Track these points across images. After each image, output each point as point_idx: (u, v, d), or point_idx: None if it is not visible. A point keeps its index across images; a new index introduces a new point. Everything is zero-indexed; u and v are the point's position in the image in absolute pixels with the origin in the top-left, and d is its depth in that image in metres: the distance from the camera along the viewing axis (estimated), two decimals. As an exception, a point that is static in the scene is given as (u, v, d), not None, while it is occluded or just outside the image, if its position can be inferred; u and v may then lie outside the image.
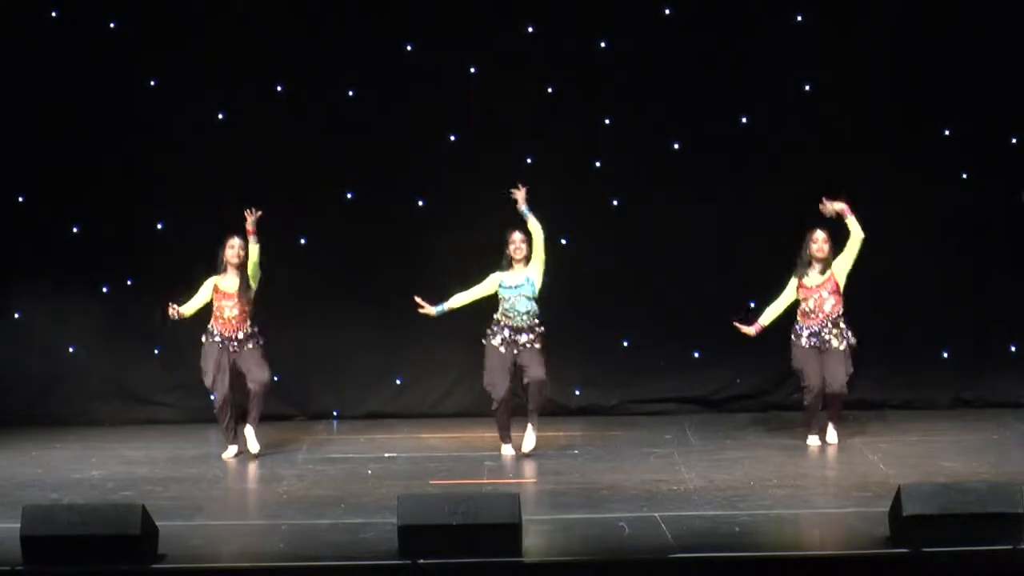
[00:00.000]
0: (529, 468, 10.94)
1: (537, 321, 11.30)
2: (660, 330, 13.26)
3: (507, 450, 11.44)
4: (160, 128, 13.13)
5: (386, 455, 11.54)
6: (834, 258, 11.41)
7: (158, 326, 12.51)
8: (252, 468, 11.17)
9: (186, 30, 13.08)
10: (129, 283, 13.31)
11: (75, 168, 13.15)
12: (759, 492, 9.73)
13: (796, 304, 11.53)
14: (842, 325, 11.41)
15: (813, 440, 11.57)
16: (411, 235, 13.19)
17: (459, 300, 11.40)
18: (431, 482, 10.27)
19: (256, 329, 11.47)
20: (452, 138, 13.28)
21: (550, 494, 10.03)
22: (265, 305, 11.64)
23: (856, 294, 11.55)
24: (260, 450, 11.43)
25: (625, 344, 13.38)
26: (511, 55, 13.20)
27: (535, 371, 11.20)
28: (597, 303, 13.04)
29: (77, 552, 7.89)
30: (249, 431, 11.45)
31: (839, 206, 11.34)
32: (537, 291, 11.30)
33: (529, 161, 13.24)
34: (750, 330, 11.56)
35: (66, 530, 7.92)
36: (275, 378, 11.78)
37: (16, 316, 13.32)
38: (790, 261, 11.56)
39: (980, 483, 8.38)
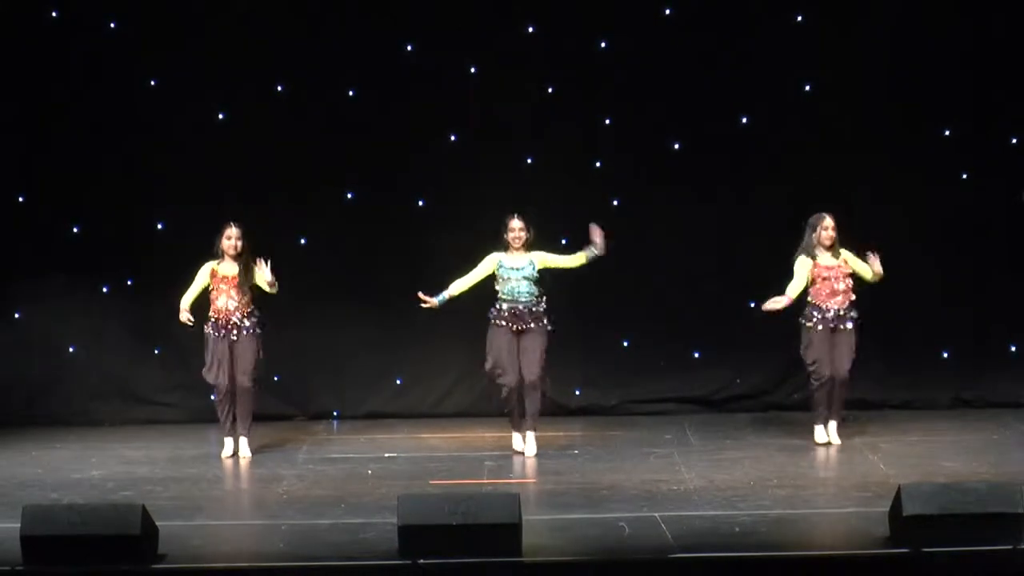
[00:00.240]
0: (529, 468, 10.94)
1: (543, 308, 11.24)
2: (660, 330, 13.26)
3: (519, 442, 11.39)
4: (160, 128, 13.13)
5: (386, 455, 11.54)
6: (839, 243, 11.41)
7: (163, 326, 12.56)
8: (252, 468, 11.17)
9: (186, 30, 13.08)
10: (129, 283, 13.31)
11: (75, 168, 13.15)
12: (759, 492, 9.73)
13: (804, 291, 11.48)
14: (854, 310, 11.43)
15: (820, 435, 11.54)
16: (411, 235, 13.18)
17: (459, 286, 11.31)
18: (431, 482, 10.27)
19: (257, 316, 11.42)
20: (452, 138, 13.28)
21: (550, 494, 10.03)
22: (265, 305, 11.63)
23: (856, 294, 11.53)
24: (252, 455, 11.43)
25: (625, 344, 13.38)
26: (511, 55, 13.20)
27: (529, 370, 11.15)
28: (597, 303, 13.03)
29: (77, 552, 7.89)
30: (243, 441, 11.45)
31: (878, 268, 11.34)
32: (537, 275, 11.26)
33: (529, 161, 13.25)
34: (781, 299, 11.40)
35: (66, 530, 7.93)
36: (275, 378, 11.78)
37: (16, 316, 13.32)
38: (791, 255, 11.55)
39: (980, 483, 8.38)
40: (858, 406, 12.66)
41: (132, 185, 13.15)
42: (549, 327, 11.26)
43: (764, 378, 13.37)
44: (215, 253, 11.42)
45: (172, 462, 11.35)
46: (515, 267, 11.24)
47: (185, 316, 11.38)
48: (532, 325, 11.18)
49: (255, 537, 9.03)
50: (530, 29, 13.23)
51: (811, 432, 11.66)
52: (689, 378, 13.42)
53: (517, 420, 11.38)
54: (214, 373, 11.39)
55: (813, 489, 9.97)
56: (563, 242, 12.80)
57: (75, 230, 13.27)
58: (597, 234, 11.27)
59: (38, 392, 13.26)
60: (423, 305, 11.37)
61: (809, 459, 11.14)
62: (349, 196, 13.30)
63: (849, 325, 11.40)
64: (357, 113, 13.22)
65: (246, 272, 11.36)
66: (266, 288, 11.37)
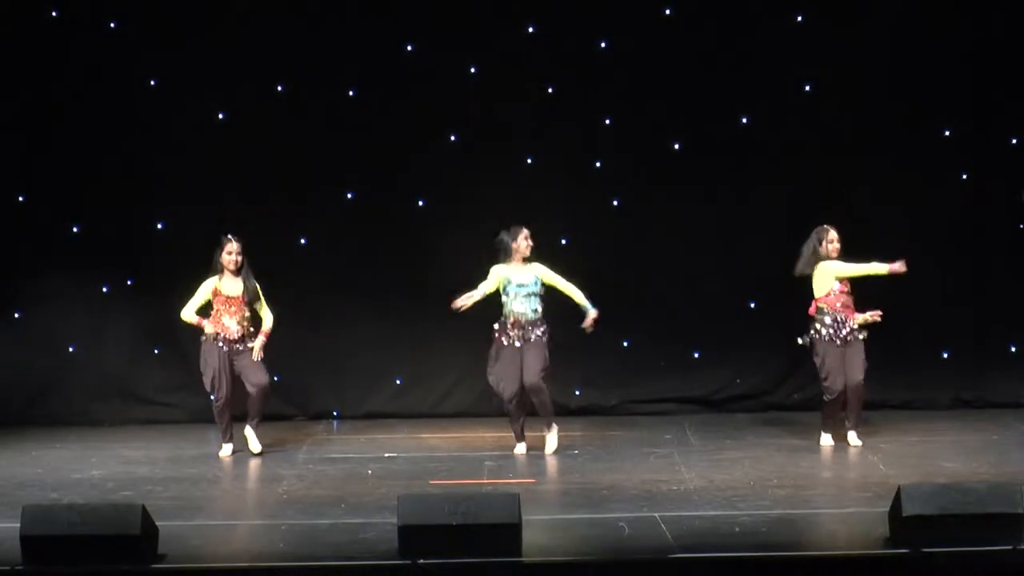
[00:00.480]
0: (529, 468, 10.94)
1: (541, 318, 11.27)
2: (660, 330, 13.26)
3: (520, 448, 11.41)
4: (160, 128, 13.13)
5: (386, 455, 11.54)
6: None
7: (163, 326, 12.58)
8: (252, 468, 11.17)
9: (186, 30, 13.08)
10: (129, 283, 13.31)
11: (75, 168, 13.15)
12: (759, 492, 9.73)
13: (810, 294, 11.45)
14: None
15: (826, 440, 11.52)
16: (411, 235, 13.19)
17: (478, 295, 11.24)
18: (431, 482, 10.27)
19: (254, 331, 11.47)
20: (452, 138, 13.28)
21: (550, 494, 10.04)
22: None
23: (856, 294, 11.53)
24: (261, 449, 11.45)
25: (625, 344, 13.38)
26: (511, 55, 13.20)
27: (529, 376, 11.16)
28: (597, 303, 13.02)
29: (77, 552, 7.88)
30: (250, 432, 11.47)
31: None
32: (542, 291, 11.29)
33: (529, 161, 13.24)
34: (899, 264, 11.20)
35: (66, 530, 7.92)
36: (275, 378, 11.78)
37: (16, 316, 13.32)
38: (790, 255, 11.54)
39: (980, 483, 8.38)
40: (858, 406, 12.66)
41: (132, 185, 13.15)
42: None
43: (764, 378, 13.38)
44: (214, 268, 11.40)
45: (172, 462, 11.35)
46: (522, 283, 11.24)
47: (194, 321, 11.38)
48: (533, 337, 11.20)
49: (255, 537, 9.02)
50: (530, 29, 13.24)
51: (811, 432, 11.66)
52: (689, 378, 13.43)
53: (519, 429, 11.42)
54: (211, 381, 11.38)
55: (813, 489, 9.96)
56: (563, 242, 12.85)
57: (75, 230, 13.27)
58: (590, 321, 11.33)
59: (38, 392, 13.26)
60: (460, 306, 11.25)
61: (809, 459, 11.13)
62: (349, 196, 13.30)
63: (860, 336, 11.35)
64: (357, 113, 13.22)
65: (251, 298, 11.36)
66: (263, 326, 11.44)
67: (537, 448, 11.39)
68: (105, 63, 13.15)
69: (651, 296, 13.25)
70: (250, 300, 11.40)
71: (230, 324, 11.35)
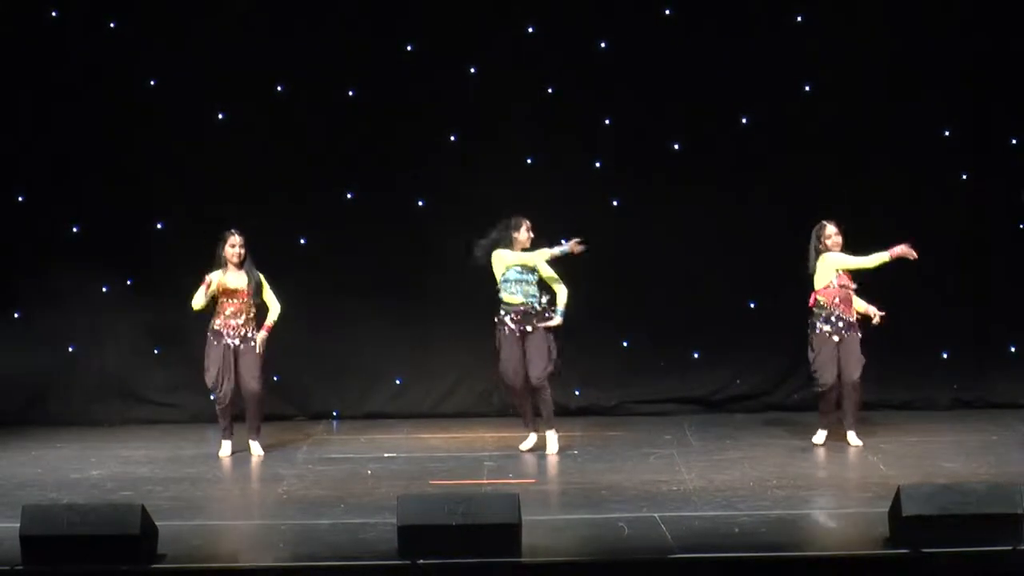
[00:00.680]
0: (529, 468, 10.94)
1: (544, 304, 11.25)
2: (660, 330, 13.26)
3: (528, 443, 11.40)
4: (160, 128, 13.13)
5: (386, 455, 11.54)
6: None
7: (163, 326, 12.59)
8: (252, 468, 11.17)
9: (186, 30, 13.08)
10: (129, 283, 13.31)
11: (75, 168, 13.15)
12: (759, 492, 9.72)
13: (809, 289, 11.45)
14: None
15: (819, 437, 11.51)
16: (411, 235, 13.19)
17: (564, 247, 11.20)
18: (431, 482, 10.26)
19: (258, 328, 11.45)
20: (452, 138, 13.28)
21: (550, 494, 10.04)
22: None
23: (865, 296, 11.52)
24: (263, 455, 11.47)
25: (625, 344, 13.38)
26: (511, 55, 13.20)
27: (534, 372, 11.16)
28: (597, 303, 13.03)
29: (77, 552, 7.88)
30: (253, 444, 11.47)
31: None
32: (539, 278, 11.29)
33: (529, 161, 13.24)
34: (902, 248, 11.19)
35: (66, 530, 7.92)
36: (275, 378, 11.78)
37: (16, 316, 13.32)
38: (789, 255, 11.54)
39: (980, 484, 8.38)
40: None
41: (132, 185, 13.15)
42: (551, 322, 11.23)
43: (764, 378, 13.38)
44: (217, 262, 11.40)
45: (172, 462, 11.34)
46: (524, 270, 11.23)
47: (202, 294, 11.22)
48: (535, 325, 11.18)
49: (255, 537, 9.02)
50: (530, 29, 13.24)
51: (811, 432, 11.65)
52: (689, 378, 13.43)
53: (531, 418, 11.42)
54: (217, 379, 11.37)
55: (813, 489, 9.96)
56: (562, 241, 12.82)
57: (75, 230, 13.27)
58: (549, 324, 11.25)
59: (38, 392, 13.26)
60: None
61: (809, 459, 11.14)
62: (349, 196, 13.30)
63: (856, 333, 11.35)
64: (357, 113, 13.22)
65: (255, 290, 11.36)
66: (270, 314, 11.42)
67: (537, 448, 11.40)
68: (105, 63, 13.15)
69: (651, 296, 13.25)
70: (255, 292, 11.39)
71: (234, 317, 11.33)
